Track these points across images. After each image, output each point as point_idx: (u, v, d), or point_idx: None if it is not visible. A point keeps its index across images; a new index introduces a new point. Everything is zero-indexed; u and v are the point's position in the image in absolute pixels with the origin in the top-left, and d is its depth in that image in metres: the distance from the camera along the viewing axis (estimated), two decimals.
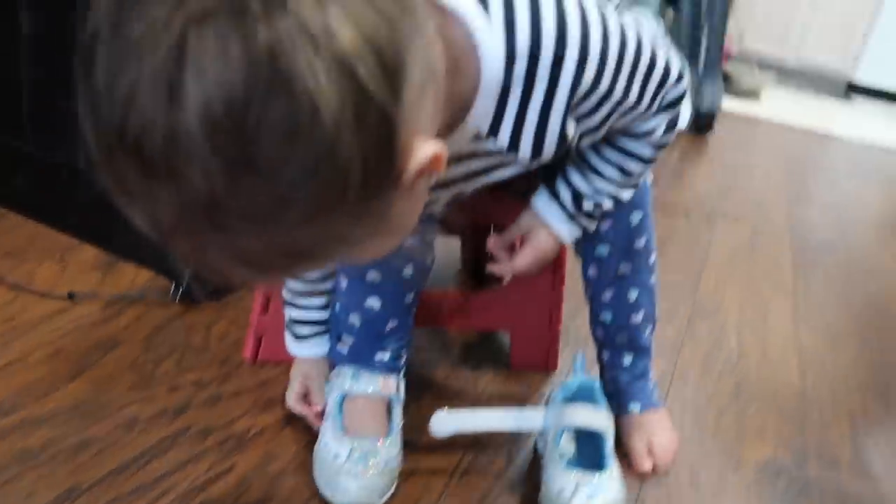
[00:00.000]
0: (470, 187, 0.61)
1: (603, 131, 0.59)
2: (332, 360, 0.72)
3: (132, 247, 0.96)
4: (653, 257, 0.75)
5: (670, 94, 0.60)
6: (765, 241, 1.56)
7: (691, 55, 2.61)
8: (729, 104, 3.30)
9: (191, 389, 0.76)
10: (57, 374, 0.74)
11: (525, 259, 0.68)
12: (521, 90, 0.49)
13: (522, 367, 0.90)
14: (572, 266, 0.81)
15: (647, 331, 0.79)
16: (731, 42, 3.56)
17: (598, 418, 0.70)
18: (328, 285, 0.73)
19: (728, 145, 2.55)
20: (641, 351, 0.79)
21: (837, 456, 0.85)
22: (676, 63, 0.59)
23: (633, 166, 0.65)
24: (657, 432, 0.77)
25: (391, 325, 0.69)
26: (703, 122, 2.62)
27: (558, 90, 0.50)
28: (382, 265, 0.68)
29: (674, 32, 2.65)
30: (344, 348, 0.71)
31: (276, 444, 0.71)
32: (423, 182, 0.40)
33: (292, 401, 0.73)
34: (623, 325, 0.77)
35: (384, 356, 0.70)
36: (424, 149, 0.37)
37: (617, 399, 0.78)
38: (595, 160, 0.65)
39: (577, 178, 0.66)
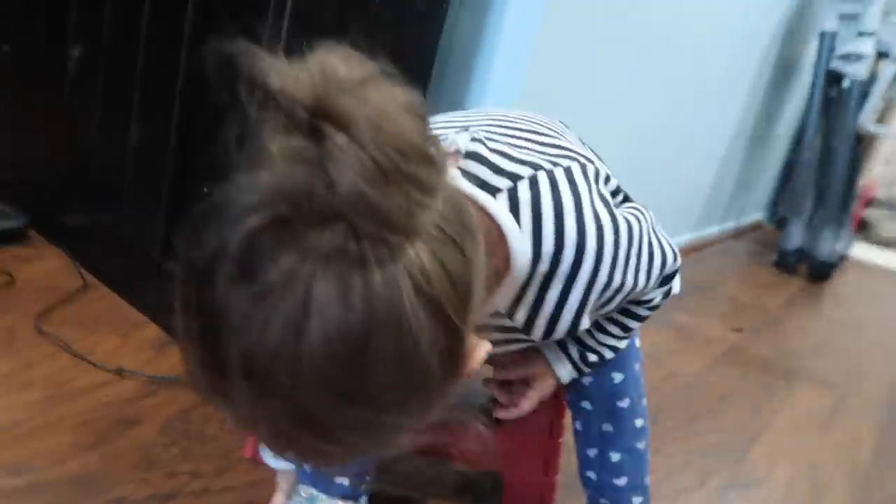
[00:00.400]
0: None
1: (612, 309, 0.63)
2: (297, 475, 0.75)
3: None
4: (640, 422, 0.74)
5: (666, 271, 0.65)
6: (848, 415, 1.43)
7: (818, 198, 2.50)
8: (864, 253, 3.10)
9: (185, 478, 0.82)
10: (78, 442, 0.83)
11: (531, 403, 0.71)
12: (538, 285, 0.55)
13: None
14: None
15: (634, 500, 0.76)
16: (875, 187, 3.36)
17: None
18: None
19: (844, 298, 2.38)
20: None
21: None
22: (670, 246, 0.65)
23: (632, 324, 0.70)
24: None
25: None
26: (818, 271, 2.47)
27: (574, 288, 0.55)
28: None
29: (797, 174, 2.56)
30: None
31: None
32: None
33: None
34: (606, 486, 0.75)
35: (343, 480, 0.72)
36: (481, 351, 0.42)
37: None
38: (600, 320, 0.69)
39: (583, 334, 0.68)
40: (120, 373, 0.97)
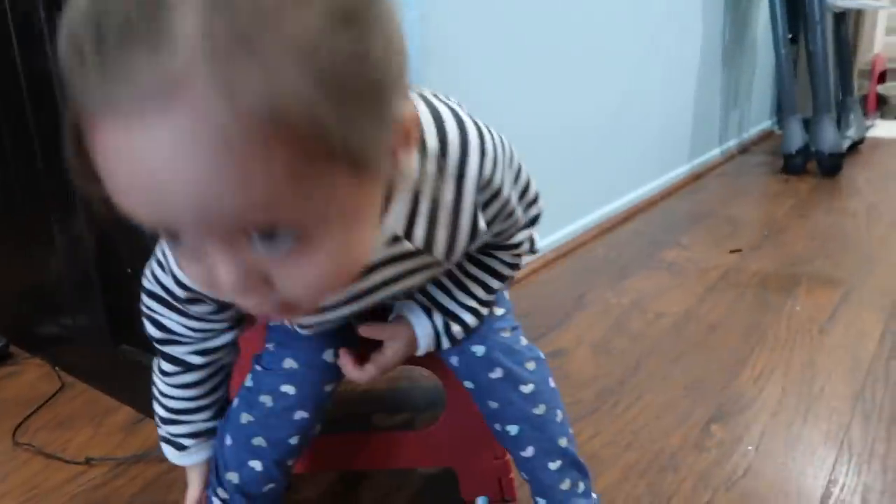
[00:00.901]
0: (381, 295, 0.63)
1: (486, 238, 0.63)
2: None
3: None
4: (528, 388, 0.70)
5: (533, 210, 0.68)
6: (852, 310, 1.35)
7: (813, 90, 2.38)
8: (885, 131, 2.93)
9: None
10: None
11: (377, 367, 0.69)
12: (431, 192, 0.54)
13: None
14: None
15: (550, 466, 0.73)
16: (882, 61, 3.17)
17: None
18: (216, 396, 0.75)
19: (859, 187, 2.25)
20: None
21: None
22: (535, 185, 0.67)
23: (494, 283, 0.69)
24: None
25: (266, 487, 0.73)
26: (826, 166, 2.35)
27: (466, 187, 0.54)
28: (270, 432, 0.71)
29: (780, 72, 2.45)
30: (217, 501, 0.74)
31: None
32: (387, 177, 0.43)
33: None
34: (517, 459, 0.74)
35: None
36: (408, 107, 0.41)
37: None
38: (462, 278, 0.68)
39: (444, 299, 0.69)
40: (89, 462, 1.01)
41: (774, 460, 0.92)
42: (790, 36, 2.57)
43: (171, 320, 0.67)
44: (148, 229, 0.39)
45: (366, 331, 0.69)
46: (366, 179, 0.39)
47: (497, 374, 0.69)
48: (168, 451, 0.77)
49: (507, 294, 0.78)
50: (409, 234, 0.54)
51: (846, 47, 2.67)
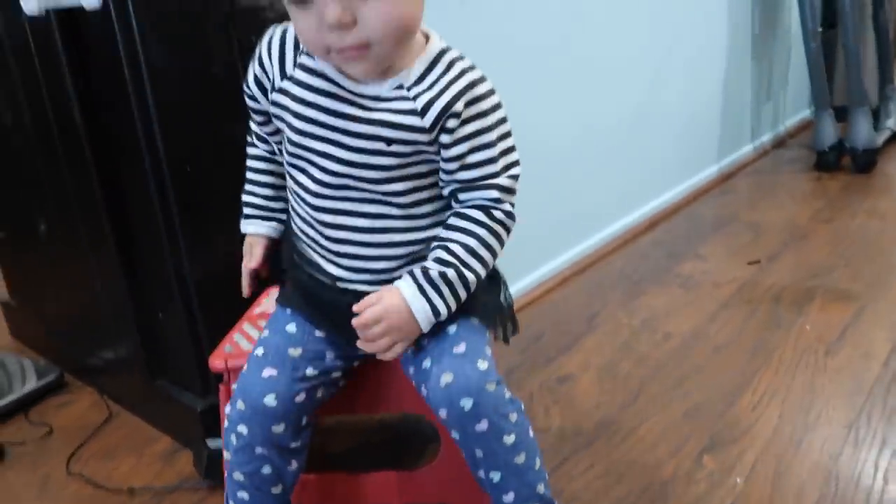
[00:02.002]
0: (374, 145, 0.73)
1: (458, 165, 0.74)
2: None
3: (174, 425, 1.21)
4: (510, 438, 0.76)
5: (514, 170, 0.77)
6: (863, 328, 1.35)
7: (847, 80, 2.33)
8: None
9: None
10: None
11: (380, 328, 0.74)
12: (443, 67, 0.73)
13: None
14: None
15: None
16: None
17: None
18: (273, 166, 0.87)
19: (893, 186, 2.20)
20: None
21: None
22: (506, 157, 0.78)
23: (472, 242, 0.76)
24: None
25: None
26: (860, 162, 2.30)
27: (466, 74, 0.74)
28: (247, 466, 0.79)
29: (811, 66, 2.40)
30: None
31: None
32: None
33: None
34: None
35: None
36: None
37: None
38: (445, 233, 0.77)
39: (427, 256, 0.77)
40: (131, 491, 1.13)
41: (760, 494, 0.96)
42: (829, 22, 2.51)
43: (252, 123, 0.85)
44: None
45: (358, 307, 0.74)
46: None
47: (483, 426, 0.75)
48: (242, 223, 0.89)
49: (489, 350, 0.84)
50: (411, 87, 0.72)
51: (885, 34, 2.59)
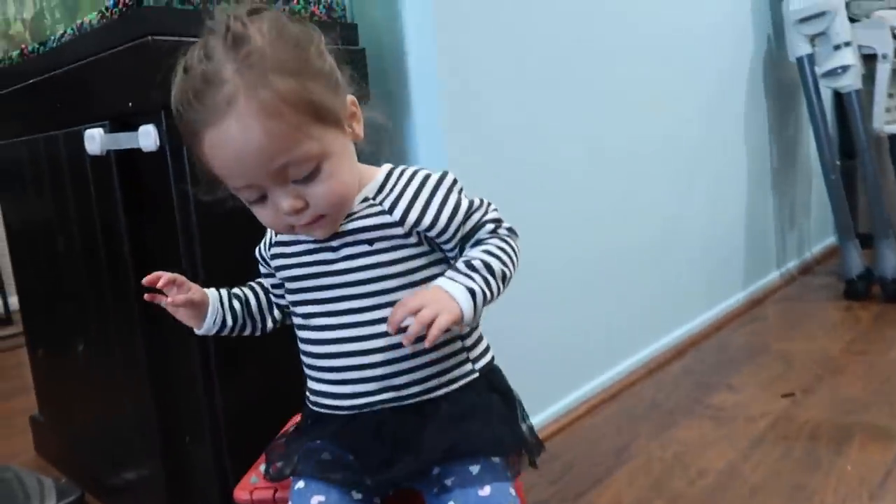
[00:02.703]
0: (358, 248, 0.80)
1: (454, 231, 0.82)
2: None
3: None
4: None
5: (493, 209, 0.85)
6: None
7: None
8: None
9: None
10: None
11: (416, 302, 0.74)
12: (397, 176, 0.83)
13: None
14: None
15: None
16: None
17: None
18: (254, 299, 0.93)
19: None
20: None
21: None
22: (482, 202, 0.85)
23: (491, 260, 0.81)
24: None
25: None
26: (890, 293, 2.29)
27: (420, 174, 0.82)
28: None
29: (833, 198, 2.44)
30: None
31: None
32: (351, 136, 0.78)
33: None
34: None
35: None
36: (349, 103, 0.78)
37: None
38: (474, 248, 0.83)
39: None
40: None
41: None
42: (848, 153, 2.57)
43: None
44: (244, 198, 0.76)
45: (397, 306, 0.74)
46: (340, 131, 0.76)
47: None
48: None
49: (513, 492, 0.82)
50: (377, 197, 0.81)
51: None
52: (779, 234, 2.68)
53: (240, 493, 0.92)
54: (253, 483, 0.93)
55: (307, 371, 0.89)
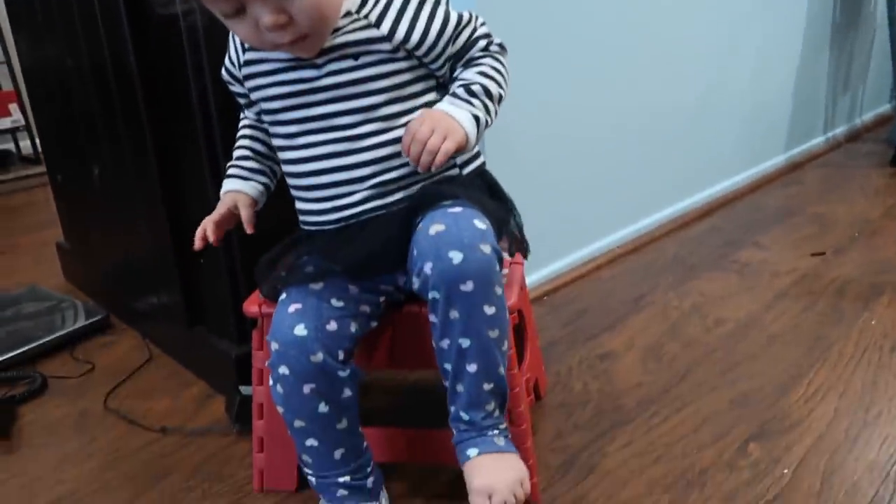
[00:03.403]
0: (343, 64, 0.78)
1: (443, 48, 0.81)
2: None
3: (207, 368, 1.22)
4: (491, 310, 0.73)
5: (480, 29, 0.84)
6: None
7: None
8: None
9: None
10: (118, 499, 0.98)
11: (426, 127, 0.76)
12: None
13: None
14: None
15: (485, 386, 0.77)
16: None
17: None
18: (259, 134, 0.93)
19: None
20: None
21: None
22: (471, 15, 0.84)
23: (494, 62, 0.84)
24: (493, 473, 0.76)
25: (338, 454, 0.80)
26: None
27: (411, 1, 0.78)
28: (304, 411, 0.78)
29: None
30: (313, 479, 0.83)
31: None
32: None
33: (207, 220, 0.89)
34: (460, 373, 0.76)
35: (345, 479, 0.81)
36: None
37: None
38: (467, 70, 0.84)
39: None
40: (164, 431, 1.13)
41: (808, 488, 0.90)
42: None
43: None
44: (219, 11, 0.71)
45: (409, 134, 0.77)
46: None
47: (468, 287, 0.71)
48: (228, 182, 0.92)
49: (489, 224, 0.76)
50: (360, 11, 0.77)
51: None
52: (829, 98, 2.51)
53: (249, 307, 0.92)
54: (262, 298, 0.93)
55: (294, 192, 0.88)
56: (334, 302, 0.80)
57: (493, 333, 0.74)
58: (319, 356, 0.76)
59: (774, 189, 2.13)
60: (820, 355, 1.19)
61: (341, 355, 0.79)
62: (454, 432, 0.80)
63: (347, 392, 0.80)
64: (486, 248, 0.72)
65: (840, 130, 2.62)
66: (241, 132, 0.95)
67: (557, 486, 0.93)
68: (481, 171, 0.88)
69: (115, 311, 1.55)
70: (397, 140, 0.79)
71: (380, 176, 0.80)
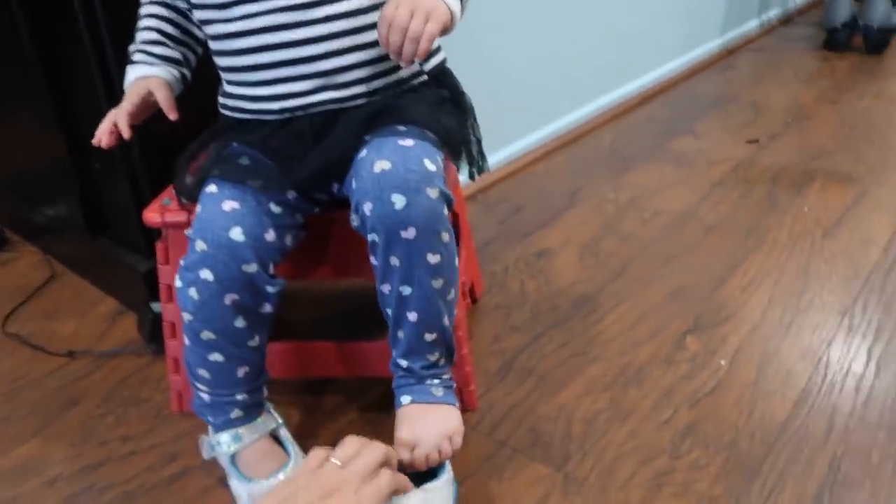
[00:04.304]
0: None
1: None
2: (198, 414, 0.77)
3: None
4: (434, 258, 0.68)
5: None
6: (863, 213, 1.27)
7: None
8: None
9: (115, 444, 0.88)
10: (23, 431, 0.91)
11: (404, 10, 0.65)
12: None
13: None
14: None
15: (427, 337, 0.72)
16: None
17: None
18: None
19: None
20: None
21: None
22: None
23: None
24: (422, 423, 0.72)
25: (241, 372, 0.73)
26: (873, 42, 2.15)
27: None
28: (217, 323, 0.70)
29: None
30: (205, 396, 0.75)
31: (163, 500, 0.80)
32: None
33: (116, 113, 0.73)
34: (401, 320, 0.72)
35: (243, 397, 0.74)
36: None
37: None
38: None
39: None
40: (71, 355, 1.04)
41: (744, 378, 0.90)
42: None
43: None
44: None
45: (384, 22, 0.65)
46: None
47: (409, 234, 0.66)
48: (138, 68, 0.77)
49: (440, 163, 0.69)
50: None
51: None
52: None
53: (149, 215, 0.82)
54: (165, 205, 0.83)
55: (224, 74, 0.76)
56: (273, 207, 0.71)
57: (437, 283, 0.68)
58: (253, 266, 0.68)
59: (710, 75, 2.08)
60: (755, 244, 1.19)
61: (272, 268, 0.71)
62: (394, 376, 0.76)
63: (268, 308, 0.73)
64: (433, 193, 0.65)
65: (774, 13, 2.57)
66: (144, 10, 0.79)
67: (496, 391, 0.90)
68: (442, 71, 0.78)
69: (11, 225, 1.40)
70: (356, 13, 0.68)
71: (333, 59, 0.69)
